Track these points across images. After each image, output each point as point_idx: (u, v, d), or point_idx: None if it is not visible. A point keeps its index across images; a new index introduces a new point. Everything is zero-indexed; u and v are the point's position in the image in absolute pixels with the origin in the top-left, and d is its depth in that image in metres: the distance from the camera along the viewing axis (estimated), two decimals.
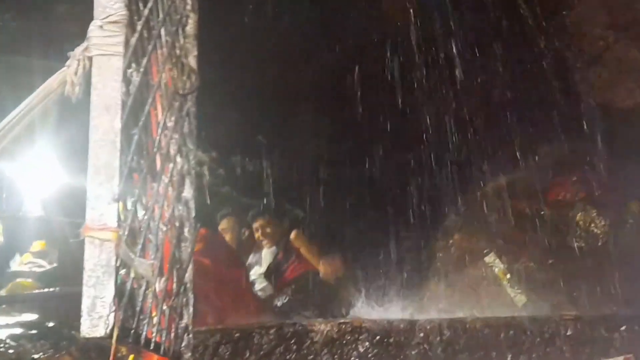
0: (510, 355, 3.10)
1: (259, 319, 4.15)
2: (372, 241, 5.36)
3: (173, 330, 1.65)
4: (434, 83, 5.39)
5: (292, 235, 5.39)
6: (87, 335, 1.24)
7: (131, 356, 1.64)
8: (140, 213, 1.43)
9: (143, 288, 1.42)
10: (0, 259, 6.03)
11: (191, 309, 1.77)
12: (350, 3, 5.70)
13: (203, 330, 3.14)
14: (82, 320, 1.24)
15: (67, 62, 1.38)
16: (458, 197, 5.31)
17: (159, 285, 1.50)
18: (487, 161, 5.22)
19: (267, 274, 5.27)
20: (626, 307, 4.03)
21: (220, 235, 5.39)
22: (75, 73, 1.36)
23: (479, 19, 5.28)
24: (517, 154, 5.15)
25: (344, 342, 3.14)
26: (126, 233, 1.33)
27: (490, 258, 4.83)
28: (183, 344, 1.72)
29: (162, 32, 1.61)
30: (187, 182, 1.77)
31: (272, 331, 3.17)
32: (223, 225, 5.51)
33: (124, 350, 1.54)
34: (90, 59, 1.35)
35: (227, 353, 3.11)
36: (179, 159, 1.70)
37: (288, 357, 3.12)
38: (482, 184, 5.29)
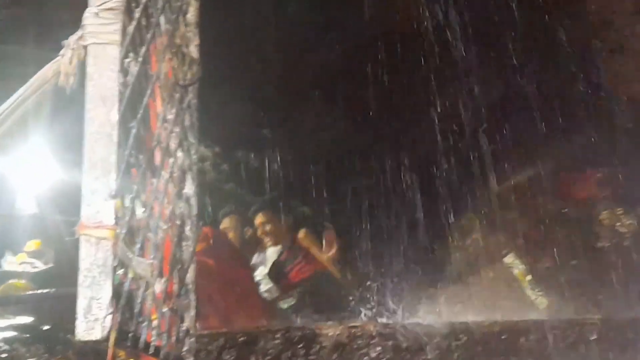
0: None
1: (265, 322, 4.15)
2: (383, 241, 5.35)
3: (174, 333, 1.65)
4: (449, 77, 5.36)
5: (301, 234, 5.37)
6: (83, 339, 1.24)
7: None
8: (139, 210, 1.43)
9: (142, 289, 1.43)
10: None
11: (193, 312, 1.77)
12: None
13: (206, 334, 3.13)
14: (78, 322, 1.24)
15: (61, 52, 1.39)
16: (475, 195, 5.29)
17: (158, 286, 1.50)
18: (506, 157, 5.20)
19: (271, 274, 5.25)
20: None
21: (224, 234, 5.39)
22: (70, 63, 1.37)
23: (494, 8, 5.25)
24: (538, 149, 5.13)
25: (355, 347, 3.13)
26: (124, 231, 1.33)
27: (509, 259, 4.81)
28: (184, 349, 1.72)
29: (162, 19, 1.61)
30: (189, 178, 1.77)
31: (278, 335, 3.17)
32: (225, 224, 5.50)
33: (122, 354, 1.54)
34: (85, 47, 1.35)
35: (231, 358, 3.11)
36: (179, 154, 1.70)
37: None
38: (501, 181, 5.27)
